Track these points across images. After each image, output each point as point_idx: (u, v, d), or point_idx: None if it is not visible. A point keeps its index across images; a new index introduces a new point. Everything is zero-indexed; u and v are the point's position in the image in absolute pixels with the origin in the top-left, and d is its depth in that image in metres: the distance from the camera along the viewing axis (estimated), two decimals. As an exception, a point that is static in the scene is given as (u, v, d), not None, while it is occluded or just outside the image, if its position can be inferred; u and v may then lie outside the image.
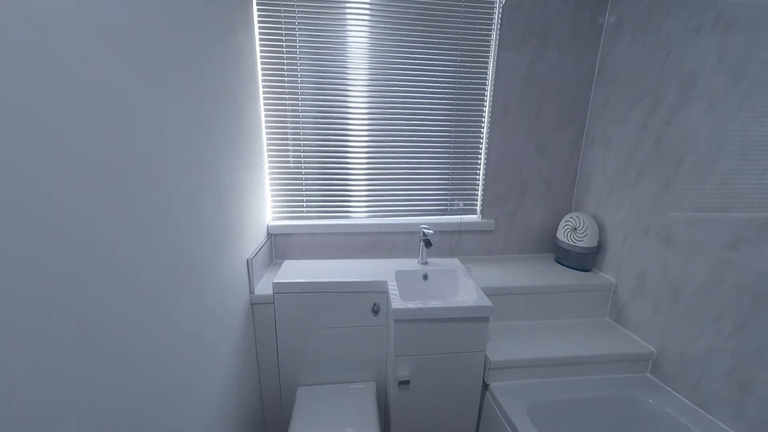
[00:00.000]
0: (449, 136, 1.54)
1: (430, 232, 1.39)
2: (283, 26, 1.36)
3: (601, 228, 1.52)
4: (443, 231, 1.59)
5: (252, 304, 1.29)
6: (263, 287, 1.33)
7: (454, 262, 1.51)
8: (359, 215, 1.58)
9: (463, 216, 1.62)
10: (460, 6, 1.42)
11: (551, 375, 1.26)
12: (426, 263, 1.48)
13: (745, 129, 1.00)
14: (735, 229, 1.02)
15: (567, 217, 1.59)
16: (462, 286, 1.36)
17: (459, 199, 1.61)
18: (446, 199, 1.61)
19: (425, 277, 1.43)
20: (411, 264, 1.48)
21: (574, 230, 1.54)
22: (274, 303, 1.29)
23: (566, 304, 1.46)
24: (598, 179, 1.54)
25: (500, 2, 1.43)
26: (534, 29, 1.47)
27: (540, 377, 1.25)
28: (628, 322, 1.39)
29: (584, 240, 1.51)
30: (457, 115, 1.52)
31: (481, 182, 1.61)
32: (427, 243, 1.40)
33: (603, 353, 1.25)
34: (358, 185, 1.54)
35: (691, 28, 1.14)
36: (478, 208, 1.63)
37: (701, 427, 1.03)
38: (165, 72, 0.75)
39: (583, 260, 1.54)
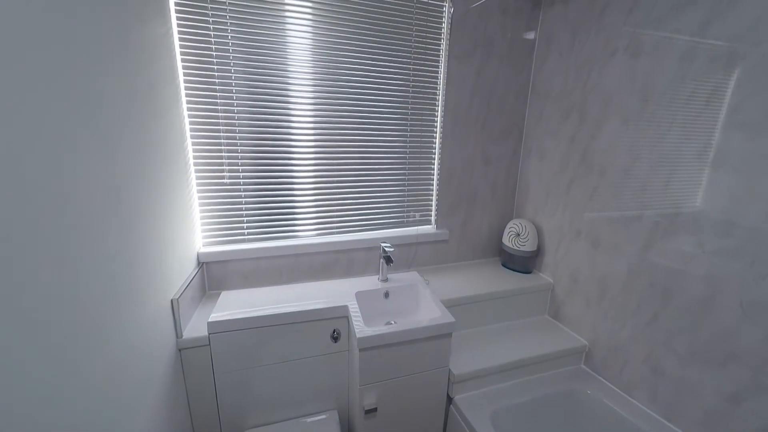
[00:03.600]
0: (404, 146, 1.50)
1: (391, 249, 1.33)
2: (211, 18, 1.15)
3: (539, 232, 1.65)
4: (401, 244, 1.56)
5: (180, 350, 1.07)
6: (195, 328, 1.13)
7: (413, 275, 1.49)
8: (310, 233, 1.44)
9: (419, 227, 1.61)
10: (412, 14, 1.37)
11: (507, 379, 1.33)
12: (386, 280, 1.43)
13: (652, 145, 1.15)
14: (647, 232, 1.18)
15: (511, 224, 1.69)
16: (423, 301, 1.35)
17: (415, 210, 1.59)
18: (403, 211, 1.58)
19: (386, 294, 1.38)
20: (371, 282, 1.41)
21: (517, 236, 1.65)
22: (209, 345, 1.10)
23: (513, 305, 1.55)
24: (535, 188, 1.67)
25: (449, 13, 1.42)
26: (479, 40, 1.50)
27: (498, 383, 1.31)
28: (564, 318, 1.54)
29: (526, 244, 1.62)
30: (411, 124, 1.49)
31: (435, 192, 1.61)
32: (388, 260, 1.35)
33: (548, 352, 1.37)
34: (307, 201, 1.41)
35: (607, 52, 1.28)
36: (433, 219, 1.64)
37: (626, 411, 1.19)
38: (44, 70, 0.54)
39: (526, 263, 1.66)
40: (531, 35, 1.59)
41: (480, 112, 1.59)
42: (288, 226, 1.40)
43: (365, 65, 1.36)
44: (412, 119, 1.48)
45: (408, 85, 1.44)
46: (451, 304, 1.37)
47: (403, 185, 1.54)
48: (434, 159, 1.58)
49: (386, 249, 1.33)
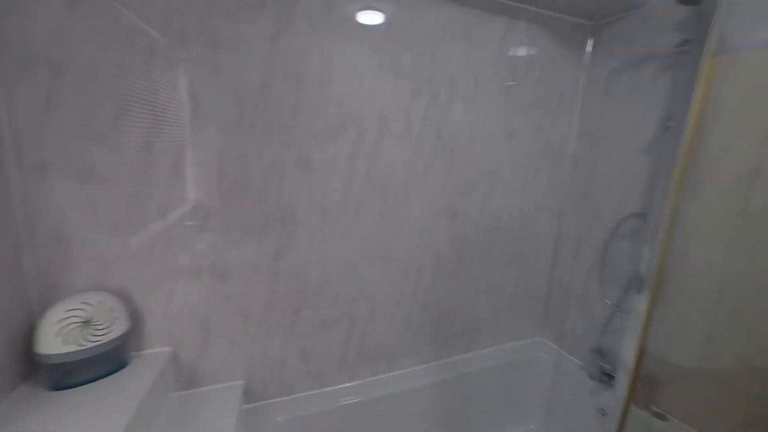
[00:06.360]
0: None
1: None
2: None
3: (125, 297, 0.92)
4: None
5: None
6: None
7: None
8: None
9: None
10: None
11: None
12: None
13: (260, 152, 1.01)
14: (275, 244, 1.12)
15: (62, 313, 0.76)
16: None
17: None
18: None
19: None
20: None
21: (86, 325, 0.80)
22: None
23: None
24: (79, 227, 0.83)
25: None
26: None
27: None
28: (204, 378, 1.13)
29: (115, 327, 0.85)
30: None
31: None
32: None
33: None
34: None
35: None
36: None
37: (293, 413, 1.22)
38: None
39: (118, 355, 0.90)
40: None
41: None
42: None
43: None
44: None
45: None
46: None
47: None
48: None
49: None
